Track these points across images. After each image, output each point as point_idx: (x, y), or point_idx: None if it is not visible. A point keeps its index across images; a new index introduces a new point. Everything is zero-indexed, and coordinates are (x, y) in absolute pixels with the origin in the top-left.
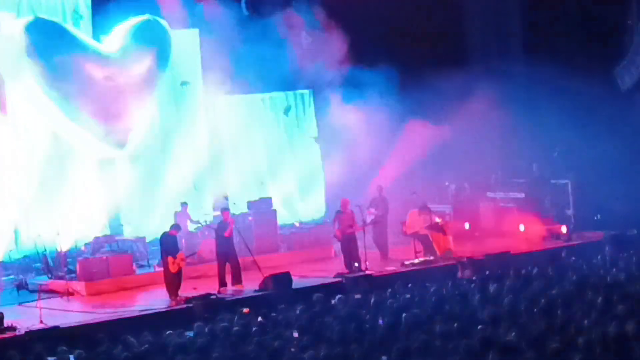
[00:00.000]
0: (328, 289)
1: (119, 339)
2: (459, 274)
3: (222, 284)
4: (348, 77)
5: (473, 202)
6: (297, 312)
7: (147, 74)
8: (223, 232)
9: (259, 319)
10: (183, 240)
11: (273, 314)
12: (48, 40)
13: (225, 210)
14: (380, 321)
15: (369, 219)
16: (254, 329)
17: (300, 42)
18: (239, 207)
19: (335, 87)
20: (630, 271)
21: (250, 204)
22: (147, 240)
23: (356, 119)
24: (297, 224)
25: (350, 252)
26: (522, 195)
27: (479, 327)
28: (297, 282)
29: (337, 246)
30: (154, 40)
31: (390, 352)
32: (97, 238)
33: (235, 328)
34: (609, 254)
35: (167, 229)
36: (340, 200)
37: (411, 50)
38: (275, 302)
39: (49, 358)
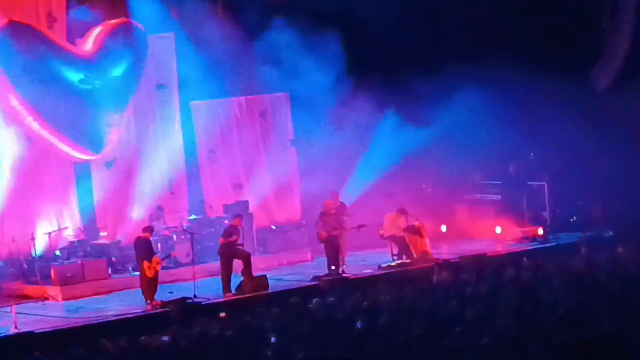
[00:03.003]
0: (305, 293)
1: (94, 344)
2: (436, 277)
3: (227, 289)
4: (326, 81)
5: (449, 205)
6: (274, 315)
7: (123, 77)
8: (229, 237)
9: (236, 323)
10: (159, 244)
11: (250, 318)
12: (23, 44)
13: (238, 216)
14: (358, 324)
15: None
16: (230, 332)
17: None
18: (215, 210)
19: (312, 90)
20: (606, 272)
21: (227, 207)
22: (122, 244)
23: (333, 122)
24: (274, 227)
25: (334, 254)
26: (499, 197)
27: (457, 329)
28: (273, 286)
29: (315, 248)
30: (129, 44)
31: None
32: (71, 242)
33: (212, 332)
34: (585, 256)
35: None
36: (321, 202)
37: (389, 53)
38: (252, 306)
39: None
